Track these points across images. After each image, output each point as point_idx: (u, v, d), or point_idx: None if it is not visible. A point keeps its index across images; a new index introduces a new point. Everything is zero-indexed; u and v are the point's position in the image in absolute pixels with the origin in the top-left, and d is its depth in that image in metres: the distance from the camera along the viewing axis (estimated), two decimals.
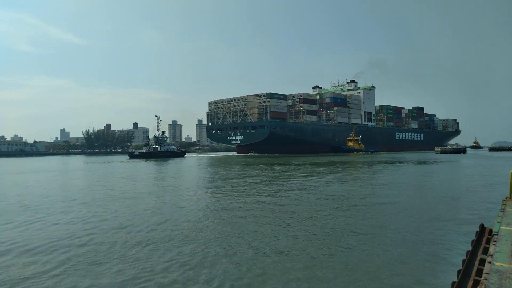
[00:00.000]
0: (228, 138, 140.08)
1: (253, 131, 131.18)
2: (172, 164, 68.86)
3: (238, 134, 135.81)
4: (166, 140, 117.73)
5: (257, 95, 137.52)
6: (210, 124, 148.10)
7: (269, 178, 33.80)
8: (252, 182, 29.69)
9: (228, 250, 10.48)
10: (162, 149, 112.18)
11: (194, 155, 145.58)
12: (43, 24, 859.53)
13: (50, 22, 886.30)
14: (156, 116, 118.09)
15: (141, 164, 70.37)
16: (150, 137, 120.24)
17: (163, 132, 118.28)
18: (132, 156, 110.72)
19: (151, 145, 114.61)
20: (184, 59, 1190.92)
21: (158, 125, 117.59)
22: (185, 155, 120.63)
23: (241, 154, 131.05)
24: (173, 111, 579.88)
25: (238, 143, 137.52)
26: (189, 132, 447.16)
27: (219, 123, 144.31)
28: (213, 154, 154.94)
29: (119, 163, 74.59)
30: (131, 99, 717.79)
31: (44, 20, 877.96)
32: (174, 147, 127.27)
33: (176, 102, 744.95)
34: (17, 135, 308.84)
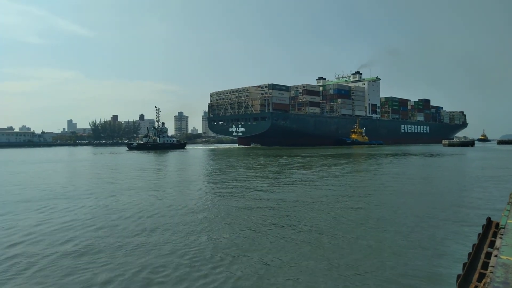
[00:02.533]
0: (230, 130, 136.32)
1: (254, 122, 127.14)
2: (165, 156, 65.58)
3: (240, 125, 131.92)
4: (166, 132, 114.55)
5: (259, 86, 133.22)
6: (212, 116, 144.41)
7: (271, 171, 30.19)
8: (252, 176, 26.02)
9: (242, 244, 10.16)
10: (162, 140, 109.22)
11: (196, 146, 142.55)
12: (50, 15, 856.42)
13: (57, 13, 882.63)
14: (155, 107, 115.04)
15: (137, 156, 67.27)
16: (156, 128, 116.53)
17: (163, 124, 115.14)
18: (130, 147, 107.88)
19: (151, 136, 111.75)
20: (191, 51, 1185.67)
21: (157, 116, 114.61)
22: (185, 147, 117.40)
23: (243, 146, 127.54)
24: (180, 103, 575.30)
25: (239, 135, 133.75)
26: (195, 124, 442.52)
27: (220, 114, 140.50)
28: (215, 146, 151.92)
29: (117, 155, 71.75)
30: (138, 91, 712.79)
31: (51, 11, 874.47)
32: (174, 139, 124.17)
33: (183, 94, 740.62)
34: (25, 126, 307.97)
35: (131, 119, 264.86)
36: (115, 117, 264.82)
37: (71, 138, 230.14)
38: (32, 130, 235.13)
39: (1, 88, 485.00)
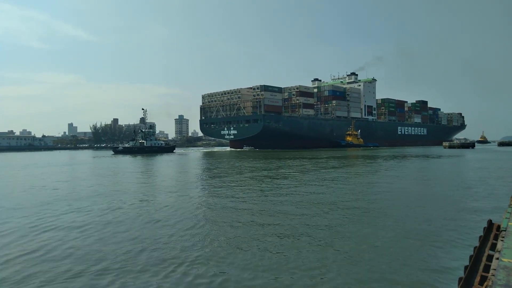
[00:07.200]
0: (222, 133, 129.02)
1: (246, 125, 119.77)
2: (147, 160, 58.48)
3: (232, 128, 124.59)
4: (153, 135, 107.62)
5: (251, 87, 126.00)
6: (204, 118, 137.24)
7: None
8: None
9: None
10: (149, 144, 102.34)
11: (188, 150, 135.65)
12: (53, 20, 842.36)
13: (60, 18, 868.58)
14: (142, 109, 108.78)
15: (118, 160, 60.30)
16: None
17: (151, 126, 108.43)
18: (116, 151, 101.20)
19: (138, 140, 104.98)
20: (191, 54, 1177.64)
21: (144, 118, 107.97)
22: (174, 151, 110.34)
23: (236, 149, 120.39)
24: (181, 106, 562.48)
25: (231, 138, 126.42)
26: (196, 127, 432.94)
27: (212, 116, 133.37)
28: (218, 149, 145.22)
29: (100, 159, 65.45)
30: (139, 94, 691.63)
31: (54, 16, 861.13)
32: (162, 142, 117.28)
33: (183, 97, 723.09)
34: (26, 130, 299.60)
35: (132, 123, 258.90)
36: (115, 121, 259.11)
37: (72, 141, 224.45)
38: (33, 134, 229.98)
39: (2, 92, 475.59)
